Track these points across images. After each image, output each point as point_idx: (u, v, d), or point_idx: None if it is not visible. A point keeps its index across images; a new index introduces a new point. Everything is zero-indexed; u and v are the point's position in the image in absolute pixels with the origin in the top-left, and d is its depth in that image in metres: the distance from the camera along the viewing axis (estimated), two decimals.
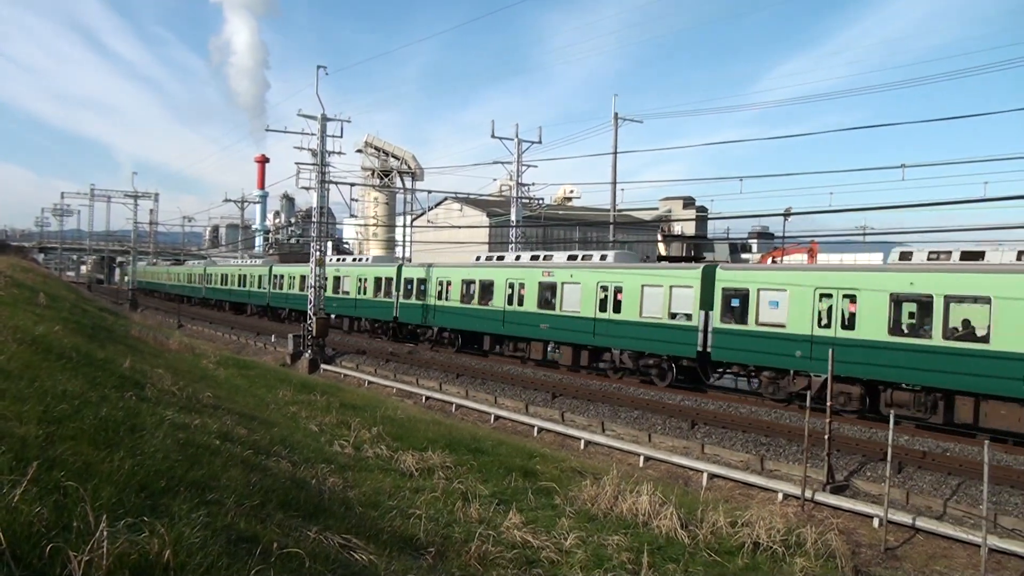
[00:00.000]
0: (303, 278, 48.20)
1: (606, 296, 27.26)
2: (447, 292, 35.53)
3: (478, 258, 36.54)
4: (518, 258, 33.92)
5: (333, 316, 46.13)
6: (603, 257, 29.91)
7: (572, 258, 31.02)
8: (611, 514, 12.03)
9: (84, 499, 4.85)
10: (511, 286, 31.65)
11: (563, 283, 29.12)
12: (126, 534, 4.60)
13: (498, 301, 32.24)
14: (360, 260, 46.73)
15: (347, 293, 44.33)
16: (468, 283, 34.41)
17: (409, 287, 38.46)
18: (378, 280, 41.31)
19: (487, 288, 33.15)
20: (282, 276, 53.58)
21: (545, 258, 32.22)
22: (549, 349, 30.78)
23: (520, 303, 31.02)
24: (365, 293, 42.38)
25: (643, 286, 25.96)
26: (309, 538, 6.49)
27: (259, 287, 56.94)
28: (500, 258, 35.26)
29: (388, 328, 41.46)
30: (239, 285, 61.21)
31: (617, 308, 26.78)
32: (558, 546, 9.47)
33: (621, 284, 26.85)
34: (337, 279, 45.21)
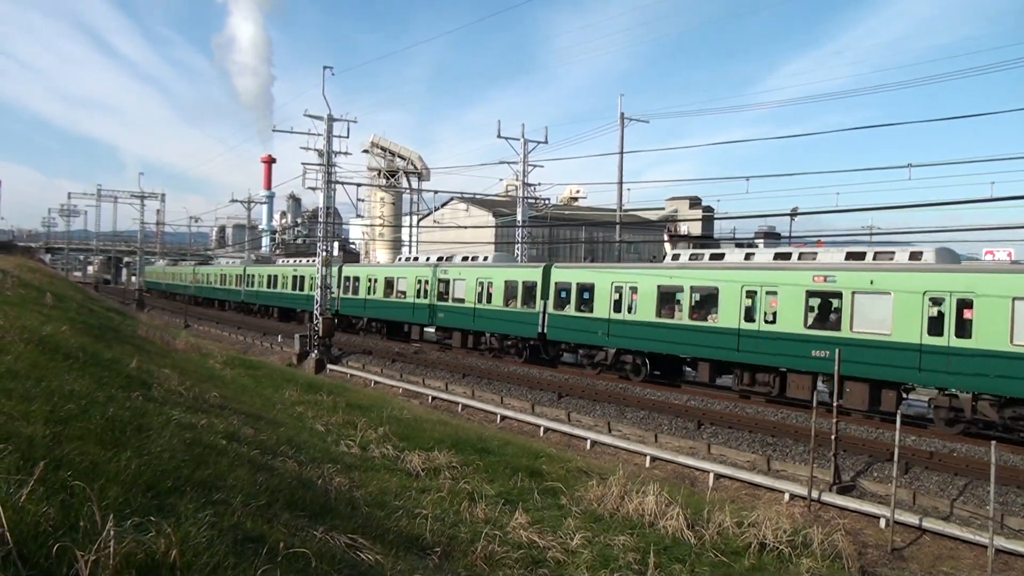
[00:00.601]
0: (390, 283, 40.87)
1: (940, 312, 19.05)
2: (631, 303, 26.70)
3: (677, 256, 27.41)
4: (749, 256, 25.08)
5: (435, 328, 38.68)
6: (915, 256, 20.89)
7: (854, 257, 22.08)
8: (617, 514, 12.02)
9: (91, 499, 4.86)
10: (750, 295, 23.05)
11: (854, 292, 20.80)
12: (133, 534, 4.61)
13: (728, 316, 23.43)
14: (476, 259, 36.96)
15: (461, 300, 35.13)
16: (669, 291, 25.82)
17: (564, 294, 29.62)
18: (511, 285, 32.31)
19: (707, 297, 24.61)
20: (356, 278, 44.27)
21: (803, 256, 23.28)
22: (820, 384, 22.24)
23: (769, 320, 22.43)
24: (490, 301, 33.28)
25: None
26: (315, 538, 6.50)
27: None
28: (717, 256, 25.93)
29: (525, 346, 32.39)
30: (294, 288, 52.33)
31: (964, 330, 18.34)
32: (564, 546, 9.46)
33: (970, 293, 18.32)
34: (445, 283, 36.55)
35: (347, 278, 45.13)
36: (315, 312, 39.17)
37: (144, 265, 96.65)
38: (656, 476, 17.26)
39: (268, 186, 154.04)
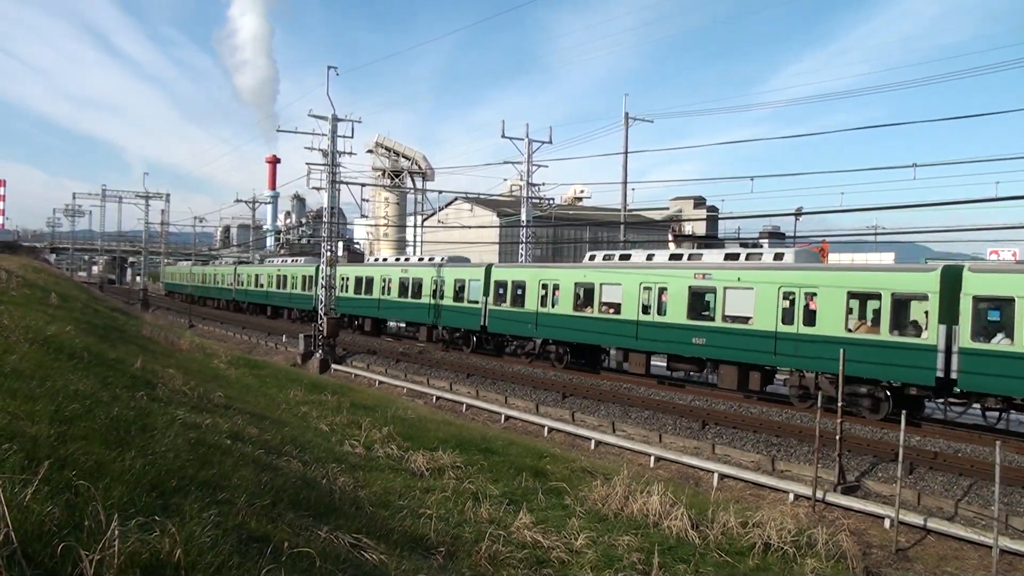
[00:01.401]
0: (589, 291, 28.28)
1: None
2: None
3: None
4: None
5: (627, 352, 27.17)
6: None
7: None
8: (621, 514, 12.02)
9: (95, 498, 4.87)
10: None
11: None
12: (137, 533, 4.62)
13: None
14: (762, 256, 24.83)
15: (743, 319, 22.90)
16: None
17: (996, 316, 17.62)
18: (860, 300, 20.80)
19: None
20: (520, 284, 31.66)
21: None
22: None
23: None
24: (811, 323, 20.99)
25: None
26: (320, 538, 6.50)
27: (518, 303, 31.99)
28: None
29: (886, 396, 20.03)
30: (401, 295, 40.03)
31: None
32: (568, 546, 9.46)
33: None
34: (705, 294, 24.37)
35: (501, 283, 32.85)
36: (319, 312, 39.25)
37: (162, 265, 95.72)
38: (660, 476, 17.24)
39: (272, 186, 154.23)
